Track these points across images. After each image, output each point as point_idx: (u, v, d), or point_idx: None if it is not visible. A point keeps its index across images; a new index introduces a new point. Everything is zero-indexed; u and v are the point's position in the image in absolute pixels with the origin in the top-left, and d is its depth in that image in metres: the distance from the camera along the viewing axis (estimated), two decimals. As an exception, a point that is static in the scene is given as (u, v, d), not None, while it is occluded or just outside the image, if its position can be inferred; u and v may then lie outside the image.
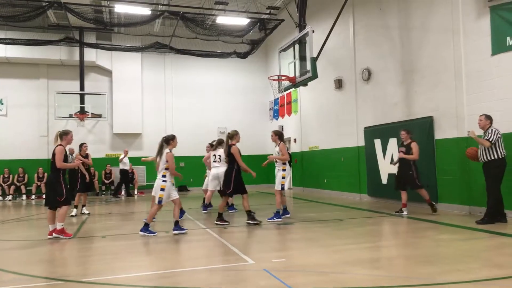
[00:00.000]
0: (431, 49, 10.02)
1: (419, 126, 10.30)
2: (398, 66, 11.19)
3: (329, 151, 14.53)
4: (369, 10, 12.44)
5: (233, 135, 8.45)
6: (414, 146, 9.00)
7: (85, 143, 11.17)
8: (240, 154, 8.41)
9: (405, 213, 9.00)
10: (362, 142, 12.79)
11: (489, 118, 7.62)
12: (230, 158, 8.26)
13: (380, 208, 10.33)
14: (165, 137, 7.51)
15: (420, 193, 9.01)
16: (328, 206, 11.32)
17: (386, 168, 11.53)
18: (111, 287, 4.30)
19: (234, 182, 8.17)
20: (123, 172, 16.67)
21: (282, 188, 8.65)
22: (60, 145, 7.18)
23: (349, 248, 5.95)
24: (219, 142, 10.33)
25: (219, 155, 10.07)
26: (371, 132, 12.27)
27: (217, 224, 8.21)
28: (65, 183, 7.21)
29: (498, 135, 7.40)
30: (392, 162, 9.21)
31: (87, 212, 10.70)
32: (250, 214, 8.26)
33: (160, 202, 7.30)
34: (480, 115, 7.73)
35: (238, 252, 5.73)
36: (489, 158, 7.43)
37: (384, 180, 11.61)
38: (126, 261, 5.54)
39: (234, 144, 8.34)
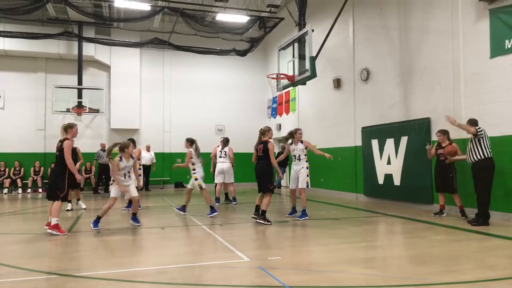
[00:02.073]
0: (430, 50, 10.05)
1: (416, 127, 10.34)
2: (397, 67, 11.22)
3: (326, 150, 14.49)
4: (369, 11, 12.45)
5: (265, 131, 8.27)
6: (455, 147, 8.43)
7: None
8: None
9: (444, 214, 8.72)
10: (359, 142, 12.81)
11: (469, 121, 7.73)
12: (265, 154, 8.08)
13: (376, 208, 10.37)
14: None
15: (454, 197, 8.57)
16: (324, 205, 11.35)
17: (383, 168, 11.57)
18: (105, 282, 4.30)
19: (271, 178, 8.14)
20: (146, 167, 16.34)
21: (307, 186, 8.69)
22: (67, 138, 7.09)
23: (345, 247, 5.97)
24: (227, 141, 11.45)
25: (225, 152, 11.23)
26: (369, 132, 12.30)
27: (259, 222, 7.89)
28: (68, 180, 7.10)
29: (485, 133, 7.48)
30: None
31: (83, 206, 10.66)
32: (263, 213, 8.00)
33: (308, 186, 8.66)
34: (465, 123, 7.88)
35: (233, 249, 5.75)
36: (476, 158, 7.47)
37: (381, 180, 11.64)
38: (121, 256, 5.55)
39: (268, 141, 8.18)
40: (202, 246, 6.32)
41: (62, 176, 7.03)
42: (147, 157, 16.64)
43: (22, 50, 16.98)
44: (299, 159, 8.76)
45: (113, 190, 7.62)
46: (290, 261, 5.14)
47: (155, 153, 17.89)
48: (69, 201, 10.23)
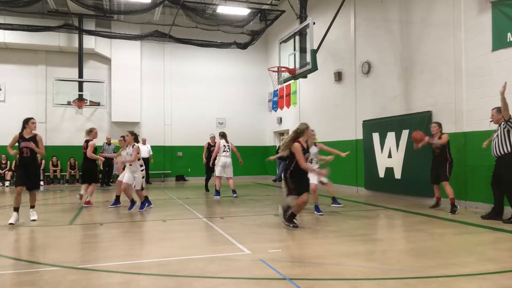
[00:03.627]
0: (431, 43, 10.00)
1: (417, 120, 10.32)
2: (398, 60, 11.17)
3: (327, 143, 14.46)
4: (370, 3, 12.37)
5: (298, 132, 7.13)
6: (444, 138, 8.37)
7: (32, 118, 8.15)
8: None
9: (442, 205, 8.67)
10: (360, 136, 12.80)
11: (500, 111, 7.17)
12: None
13: (377, 202, 10.39)
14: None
15: (445, 187, 8.32)
16: (324, 198, 11.34)
17: (384, 161, 11.57)
18: (106, 274, 4.33)
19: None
20: (144, 160, 16.24)
21: None
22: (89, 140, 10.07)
23: (345, 240, 6.00)
24: (224, 134, 11.76)
25: (228, 146, 11.56)
26: (370, 126, 12.29)
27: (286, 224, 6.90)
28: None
29: None
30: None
31: (35, 217, 7.76)
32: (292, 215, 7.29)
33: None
34: (492, 109, 7.37)
35: (234, 242, 5.77)
36: (503, 151, 7.05)
37: (381, 173, 11.65)
38: (123, 249, 5.58)
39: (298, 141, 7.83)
40: (203, 239, 6.35)
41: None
42: (144, 150, 16.63)
43: (22, 43, 16.93)
44: (310, 162, 8.13)
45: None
46: (290, 254, 5.17)
47: (156, 146, 17.94)
48: (16, 209, 7.45)
